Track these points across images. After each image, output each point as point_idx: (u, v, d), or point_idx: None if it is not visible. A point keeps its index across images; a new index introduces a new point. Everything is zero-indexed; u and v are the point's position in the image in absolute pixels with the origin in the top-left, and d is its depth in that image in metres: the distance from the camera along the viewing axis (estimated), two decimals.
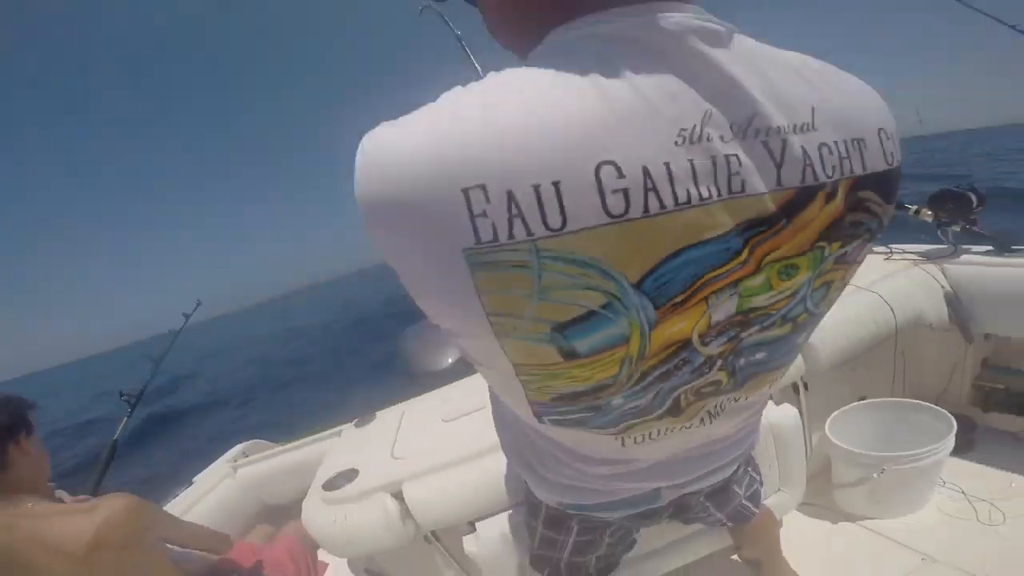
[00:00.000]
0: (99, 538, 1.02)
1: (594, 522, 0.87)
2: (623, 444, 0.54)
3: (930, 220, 1.75)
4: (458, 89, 0.38)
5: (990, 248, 1.69)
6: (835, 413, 1.55)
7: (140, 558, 1.11)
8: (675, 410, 0.51)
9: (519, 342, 0.41)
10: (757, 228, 0.40)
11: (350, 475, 1.34)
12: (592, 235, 0.35)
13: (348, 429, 1.77)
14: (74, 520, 1.03)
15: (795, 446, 1.29)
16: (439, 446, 1.36)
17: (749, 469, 1.07)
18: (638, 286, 0.38)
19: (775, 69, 0.40)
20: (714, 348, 0.46)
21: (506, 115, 0.35)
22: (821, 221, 0.42)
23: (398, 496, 1.22)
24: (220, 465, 2.22)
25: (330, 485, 1.33)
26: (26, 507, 1.07)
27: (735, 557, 1.43)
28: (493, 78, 0.38)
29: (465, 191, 0.34)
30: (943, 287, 1.65)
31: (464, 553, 1.21)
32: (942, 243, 1.78)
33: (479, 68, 1.67)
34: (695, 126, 0.37)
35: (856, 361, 1.53)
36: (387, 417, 1.71)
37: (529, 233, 0.35)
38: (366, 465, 1.37)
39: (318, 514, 1.29)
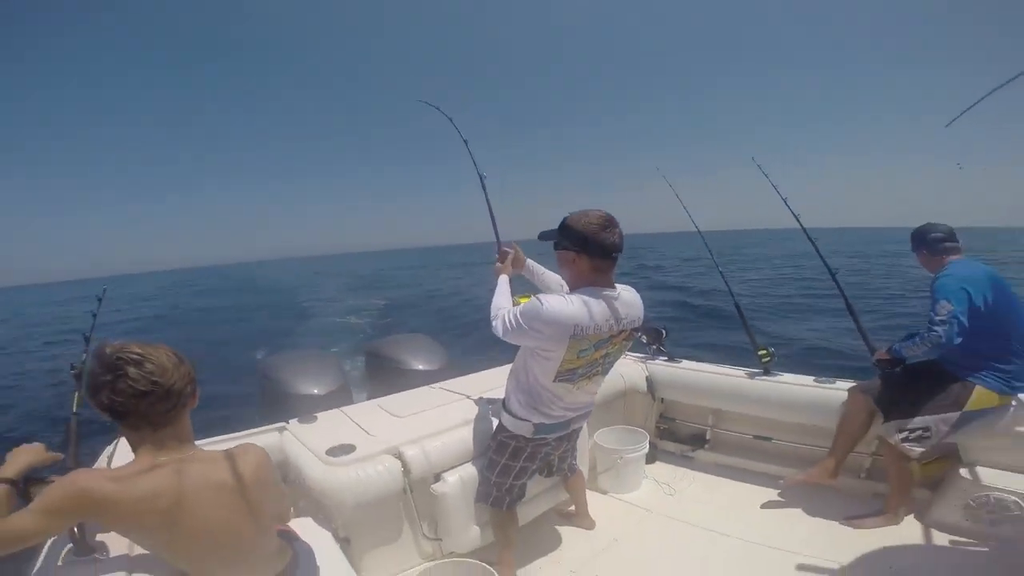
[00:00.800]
0: (255, 476, 1.33)
1: (536, 449, 2.07)
2: (575, 387, 1.91)
3: (645, 341, 3.49)
4: (564, 296, 1.77)
5: (666, 357, 3.47)
6: (600, 431, 3.00)
7: (273, 491, 1.46)
8: (591, 376, 1.90)
9: (569, 354, 1.75)
10: (615, 337, 1.82)
11: (348, 448, 2.10)
12: (582, 340, 1.73)
13: (294, 424, 2.40)
14: (235, 463, 1.31)
15: (584, 439, 2.65)
16: (412, 427, 2.28)
17: (575, 448, 2.39)
18: (594, 347, 1.76)
19: (630, 306, 1.88)
20: (598, 364, 1.86)
21: (575, 307, 1.72)
22: (624, 337, 1.86)
23: (399, 456, 2.12)
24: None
25: (334, 452, 2.06)
26: (191, 454, 1.28)
27: (557, 514, 2.68)
28: (573, 295, 1.76)
29: (573, 330, 1.70)
30: (646, 373, 3.35)
31: (428, 500, 2.15)
32: (647, 352, 3.52)
33: (475, 163, 2.73)
34: (608, 319, 1.78)
35: (607, 406, 3.05)
36: (334, 416, 2.49)
37: (575, 335, 1.71)
38: (360, 439, 2.17)
39: (325, 475, 1.98)
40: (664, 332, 3.54)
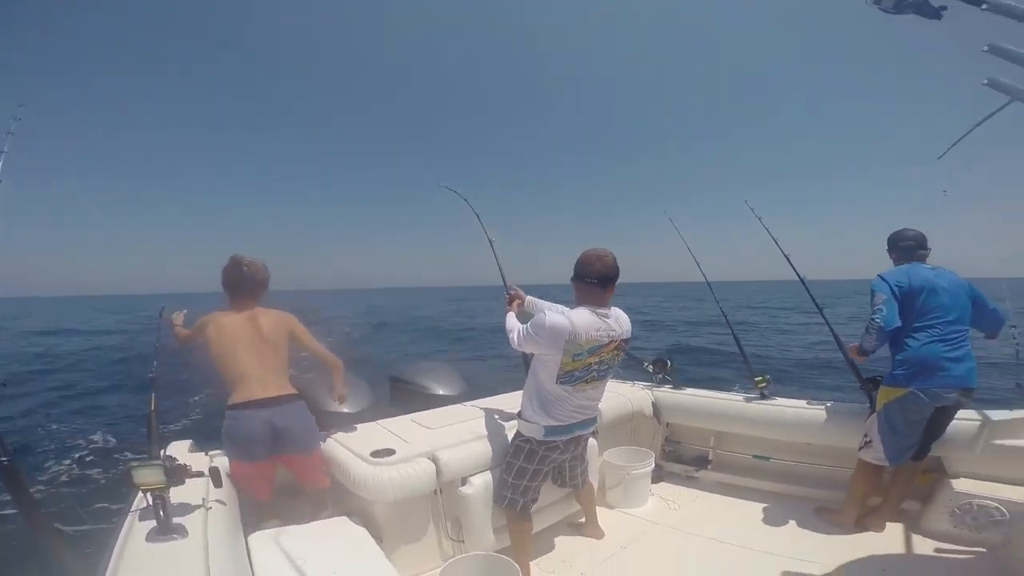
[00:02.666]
0: (295, 326, 2.55)
1: (548, 452, 2.33)
2: (575, 389, 2.24)
3: (651, 370, 3.76)
4: (562, 311, 2.15)
5: (671, 385, 3.72)
6: (608, 450, 3.22)
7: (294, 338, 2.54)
8: (588, 381, 2.21)
9: (565, 357, 2.08)
10: (606, 346, 2.16)
11: (389, 451, 2.37)
12: (575, 345, 2.08)
13: (338, 434, 2.67)
14: (282, 315, 2.53)
15: (594, 456, 2.87)
16: (443, 436, 2.54)
17: (587, 459, 2.63)
18: (588, 352, 2.09)
19: (618, 322, 2.24)
20: (593, 369, 2.18)
21: (571, 317, 2.13)
22: (615, 347, 2.19)
23: (433, 460, 2.37)
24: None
25: (377, 455, 2.33)
26: (260, 309, 2.50)
27: (569, 524, 2.89)
28: (570, 311, 2.14)
29: (567, 335, 2.05)
30: (652, 399, 3.59)
31: (454, 503, 2.40)
32: (653, 381, 3.78)
33: (485, 230, 3.48)
34: (599, 330, 2.15)
35: (615, 427, 3.28)
36: (372, 427, 2.77)
37: (569, 339, 2.07)
38: (398, 445, 2.43)
39: (368, 472, 2.23)
40: (668, 363, 3.82)
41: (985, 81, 1.56)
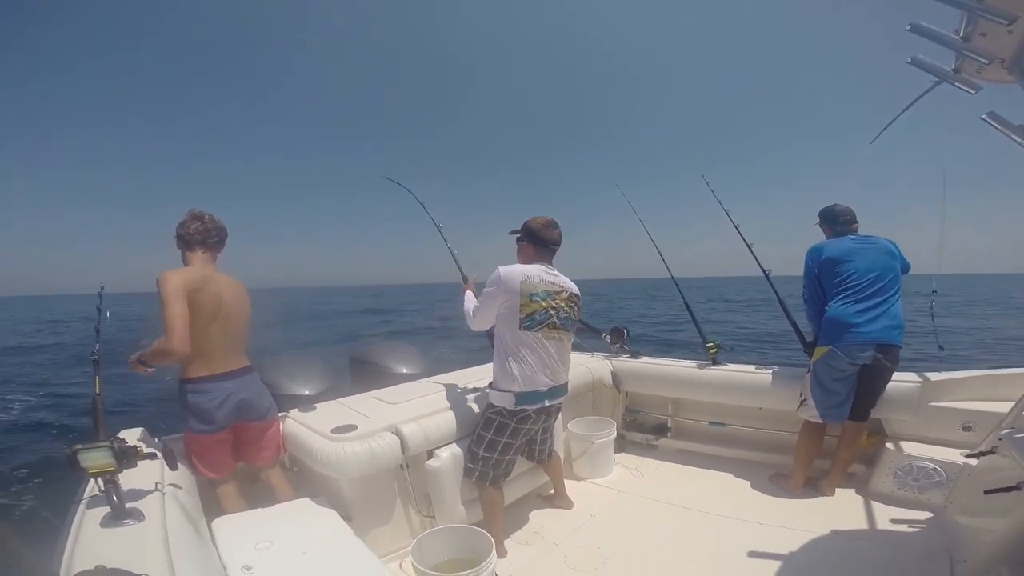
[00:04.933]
0: (244, 296, 2.36)
1: (519, 422, 2.33)
2: (542, 336, 2.32)
3: (609, 340, 3.83)
4: (517, 265, 2.30)
5: (629, 354, 3.81)
6: (572, 420, 3.27)
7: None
8: (551, 327, 2.34)
9: (523, 299, 2.26)
10: (559, 294, 2.28)
11: (351, 427, 2.30)
12: (530, 285, 2.25)
13: (295, 413, 2.59)
14: (239, 283, 2.35)
15: (558, 426, 2.91)
16: (406, 410, 2.49)
17: (552, 432, 2.66)
18: (543, 297, 2.27)
19: (566, 280, 2.46)
20: (552, 315, 2.29)
21: (520, 266, 2.36)
22: (569, 299, 2.38)
23: (396, 433, 2.31)
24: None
25: (338, 431, 2.26)
26: (219, 273, 2.28)
27: (539, 497, 2.92)
28: (520, 265, 2.38)
29: (521, 278, 2.23)
30: (611, 368, 3.66)
31: (422, 477, 2.37)
32: (611, 351, 3.85)
33: (431, 216, 3.51)
34: (547, 280, 2.35)
35: (577, 398, 3.33)
36: (332, 405, 2.68)
37: (523, 281, 2.25)
38: (360, 421, 2.36)
39: (330, 448, 2.16)
40: (626, 332, 3.90)
41: (909, 60, 1.67)
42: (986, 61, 1.41)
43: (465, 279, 3.00)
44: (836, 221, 2.95)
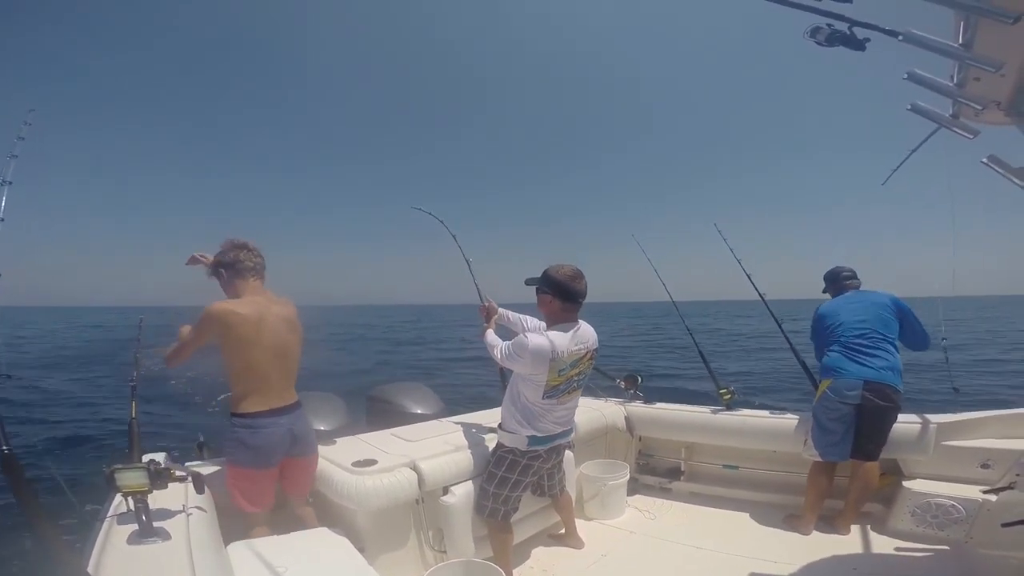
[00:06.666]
0: (295, 319, 2.35)
1: (530, 462, 2.39)
2: (558, 402, 2.30)
3: (622, 386, 3.88)
4: (542, 332, 2.28)
5: (642, 400, 3.83)
6: (584, 463, 3.28)
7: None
8: (570, 392, 2.32)
9: (551, 375, 2.18)
10: (583, 358, 2.29)
11: (371, 462, 2.36)
12: (559, 362, 2.24)
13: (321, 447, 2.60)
14: (292, 307, 2.36)
15: (571, 469, 2.92)
16: (423, 447, 2.54)
17: (563, 468, 2.69)
18: (570, 366, 2.25)
19: (588, 333, 2.44)
20: (574, 380, 2.30)
21: (551, 338, 2.25)
22: (588, 357, 2.33)
23: (415, 469, 2.37)
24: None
25: (359, 464, 2.32)
26: (268, 296, 2.29)
27: (549, 536, 2.91)
28: (550, 332, 2.29)
29: (551, 355, 2.18)
30: (625, 413, 3.69)
31: (436, 512, 2.41)
32: (625, 396, 3.89)
33: (462, 251, 3.59)
34: (576, 345, 2.30)
35: (591, 441, 3.36)
36: (351, 440, 2.73)
37: (553, 359, 2.20)
38: (379, 456, 2.42)
39: (351, 481, 2.22)
40: (639, 378, 3.93)
41: (909, 107, 1.78)
42: (980, 107, 1.47)
43: (485, 308, 2.94)
44: (837, 279, 3.25)
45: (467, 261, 3.57)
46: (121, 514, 1.77)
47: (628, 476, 3.24)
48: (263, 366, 2.15)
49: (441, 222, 3.73)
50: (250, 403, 2.14)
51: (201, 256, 2.34)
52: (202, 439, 2.45)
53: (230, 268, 2.25)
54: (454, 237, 3.67)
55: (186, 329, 2.19)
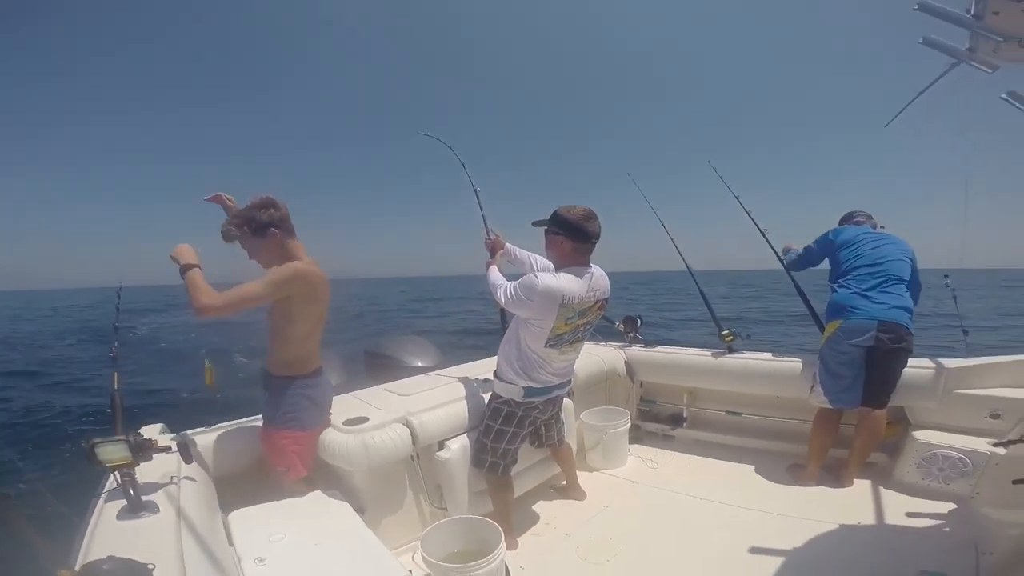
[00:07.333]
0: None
1: (527, 413, 2.33)
2: (560, 353, 2.21)
3: (622, 329, 3.79)
4: (554, 273, 2.12)
5: (642, 344, 3.77)
6: (585, 411, 3.26)
7: None
8: (574, 342, 2.23)
9: (558, 322, 2.06)
10: (592, 307, 2.15)
11: (362, 419, 2.31)
12: (569, 308, 2.05)
13: None
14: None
15: (571, 417, 2.89)
16: (417, 402, 2.50)
17: (563, 418, 2.64)
18: (578, 315, 2.09)
19: (601, 279, 2.23)
20: (580, 331, 2.17)
21: (563, 281, 2.07)
22: (599, 306, 2.18)
23: (407, 424, 2.33)
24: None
25: (350, 423, 2.28)
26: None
27: (551, 488, 2.92)
28: (561, 273, 2.11)
29: (561, 299, 2.02)
30: (625, 358, 3.63)
31: (432, 468, 2.39)
32: (624, 340, 3.82)
33: (471, 179, 3.39)
34: (587, 291, 2.11)
35: (590, 388, 3.31)
36: (344, 398, 2.66)
37: (563, 304, 2.03)
38: (371, 413, 2.37)
39: (342, 440, 2.17)
40: (639, 320, 3.86)
41: (920, 40, 1.59)
42: (1001, 39, 1.34)
43: (491, 242, 2.75)
44: (852, 217, 3.17)
45: (475, 191, 3.34)
46: (111, 490, 1.73)
47: (629, 424, 3.22)
48: (317, 328, 2.22)
49: (450, 148, 3.52)
50: (312, 362, 2.23)
51: (227, 198, 2.24)
52: (189, 437, 2.25)
53: (284, 226, 2.11)
54: (463, 165, 3.47)
55: (252, 285, 1.97)
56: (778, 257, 3.44)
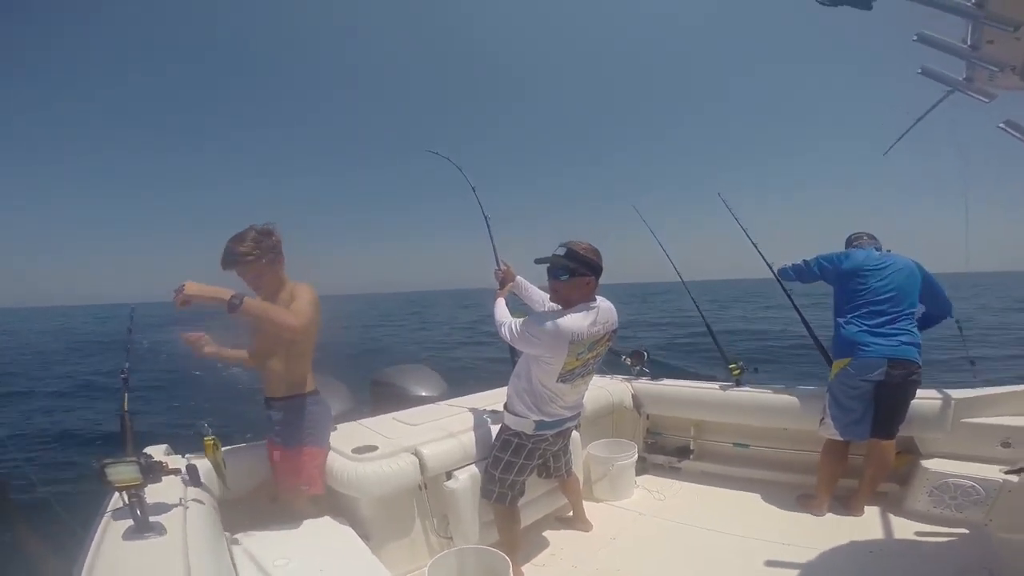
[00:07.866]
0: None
1: (536, 445, 2.32)
2: (572, 387, 2.22)
3: (628, 363, 3.80)
4: (559, 315, 2.13)
5: (649, 376, 3.77)
6: (592, 443, 3.23)
7: None
8: (584, 376, 2.21)
9: (569, 358, 2.09)
10: (602, 339, 2.17)
11: (371, 448, 2.32)
12: (579, 345, 2.09)
13: None
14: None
15: (578, 449, 2.87)
16: (425, 432, 2.50)
17: (570, 450, 2.64)
18: (588, 349, 2.11)
19: (609, 312, 2.25)
20: (591, 364, 2.19)
21: (571, 321, 2.10)
22: (607, 339, 2.20)
23: (416, 454, 2.32)
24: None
25: (359, 451, 2.29)
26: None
27: (557, 519, 2.88)
28: (569, 315, 2.12)
29: (571, 337, 2.07)
30: (631, 390, 3.63)
31: (440, 498, 2.37)
32: (631, 373, 3.82)
33: (481, 205, 3.30)
34: (596, 325, 2.15)
35: (597, 420, 3.30)
36: (352, 426, 2.70)
37: (573, 341, 2.07)
38: (380, 442, 2.38)
39: (352, 468, 2.19)
40: (646, 354, 3.86)
41: (919, 70, 1.67)
42: (996, 69, 1.39)
43: (501, 273, 2.71)
44: (857, 240, 3.11)
45: (485, 217, 3.26)
46: (116, 510, 1.74)
47: (636, 456, 3.19)
48: (313, 348, 2.28)
49: (459, 168, 3.40)
50: (310, 382, 2.28)
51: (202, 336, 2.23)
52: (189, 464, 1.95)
53: (278, 253, 2.18)
54: (473, 189, 3.33)
55: (305, 307, 2.07)
56: (780, 284, 3.43)
